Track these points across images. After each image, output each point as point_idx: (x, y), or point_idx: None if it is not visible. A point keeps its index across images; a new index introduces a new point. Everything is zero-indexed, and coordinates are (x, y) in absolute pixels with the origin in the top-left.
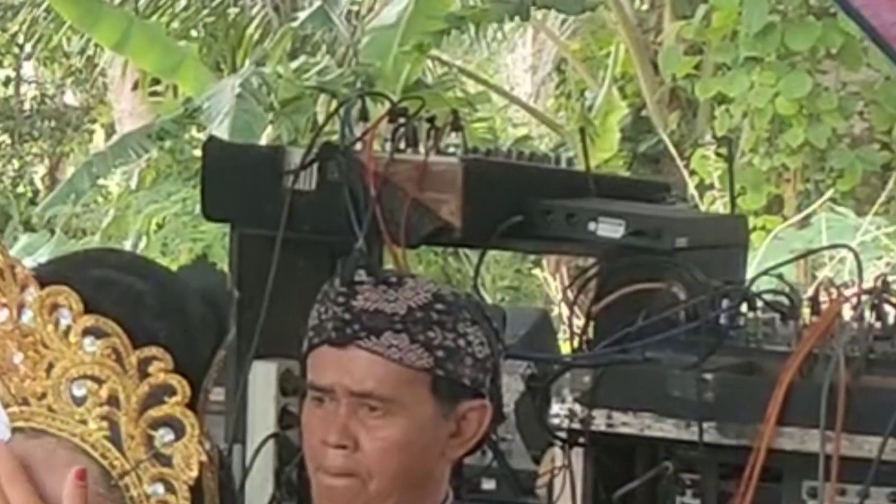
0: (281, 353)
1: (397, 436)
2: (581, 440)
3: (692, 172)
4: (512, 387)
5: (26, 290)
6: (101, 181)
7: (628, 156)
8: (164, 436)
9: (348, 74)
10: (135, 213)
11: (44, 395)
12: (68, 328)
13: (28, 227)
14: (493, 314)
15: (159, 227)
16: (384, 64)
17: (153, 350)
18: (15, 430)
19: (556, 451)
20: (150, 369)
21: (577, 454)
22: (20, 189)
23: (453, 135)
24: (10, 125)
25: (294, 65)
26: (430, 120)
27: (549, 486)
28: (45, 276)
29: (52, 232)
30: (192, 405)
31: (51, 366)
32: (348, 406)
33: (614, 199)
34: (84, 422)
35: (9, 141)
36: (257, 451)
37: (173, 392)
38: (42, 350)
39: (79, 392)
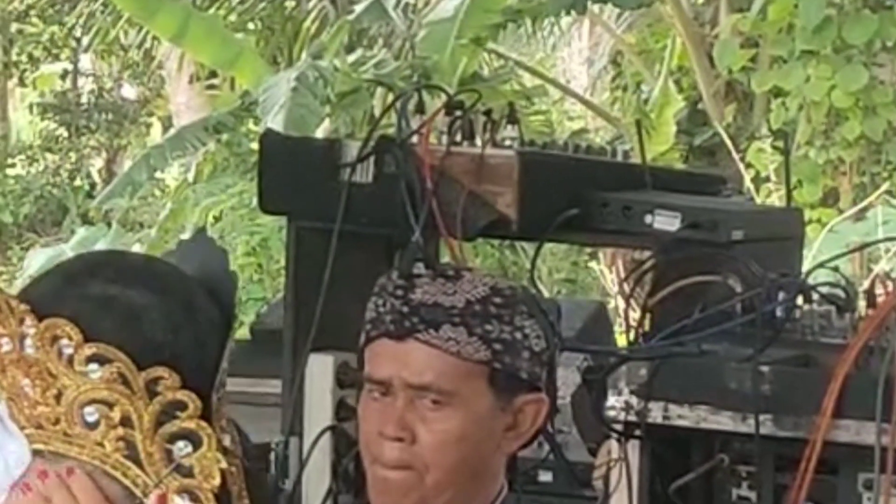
0: (338, 345)
1: (454, 428)
2: (637, 433)
3: (748, 165)
4: (568, 379)
5: (24, 323)
6: (158, 174)
7: (684, 149)
8: (182, 448)
9: (405, 67)
10: (192, 206)
11: (57, 421)
12: (71, 357)
13: (85, 220)
14: (548, 307)
15: (216, 220)
16: (441, 57)
17: (159, 370)
18: (35, 452)
19: (613, 444)
20: (159, 388)
21: (634, 447)
22: (77, 182)
23: (510, 128)
24: (68, 118)
25: (351, 58)
26: (487, 113)
27: (606, 478)
28: (43, 295)
29: (110, 225)
30: (206, 413)
31: (59, 393)
32: (406, 399)
33: (670, 191)
34: (101, 444)
35: (66, 134)
36: (314, 443)
37: (185, 407)
38: (48, 378)
39: (91, 417)
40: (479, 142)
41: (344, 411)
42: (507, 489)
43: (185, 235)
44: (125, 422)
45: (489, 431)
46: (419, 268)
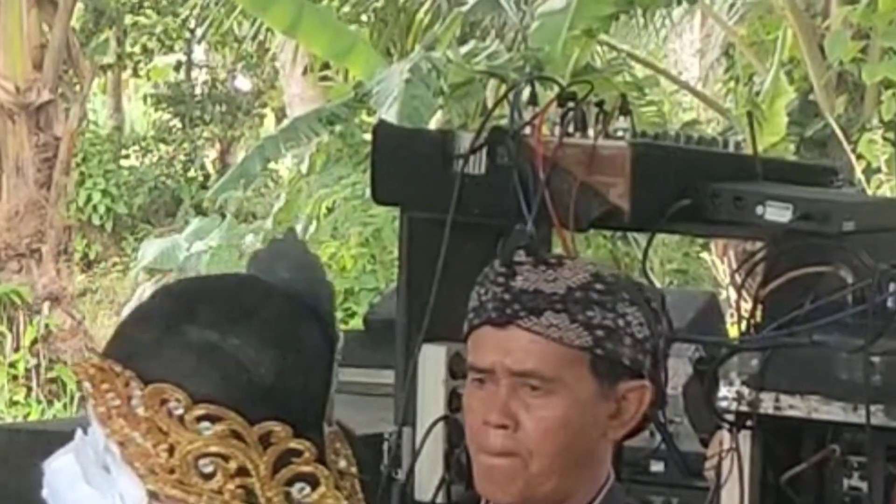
0: (450, 336)
1: (558, 415)
2: (748, 423)
3: (859, 156)
4: (680, 370)
5: (129, 385)
6: (271, 165)
7: (795, 140)
8: (301, 489)
9: (518, 59)
10: (305, 197)
11: (172, 471)
12: (182, 416)
13: (199, 210)
14: (653, 296)
15: (329, 210)
16: (553, 48)
17: (269, 426)
18: (151, 493)
19: (724, 434)
20: (272, 440)
21: (745, 437)
22: (191, 173)
23: (622, 119)
24: (182, 109)
25: (464, 49)
26: (599, 104)
27: (717, 468)
28: (144, 346)
29: (223, 216)
30: (318, 441)
31: (172, 447)
32: (509, 386)
33: (782, 182)
34: (220, 492)
35: (180, 125)
36: (427, 433)
37: (299, 454)
38: (160, 434)
39: (207, 469)
40: (591, 133)
41: (456, 401)
42: (613, 478)
43: (299, 226)
44: (242, 472)
45: (593, 418)
46: (521, 255)
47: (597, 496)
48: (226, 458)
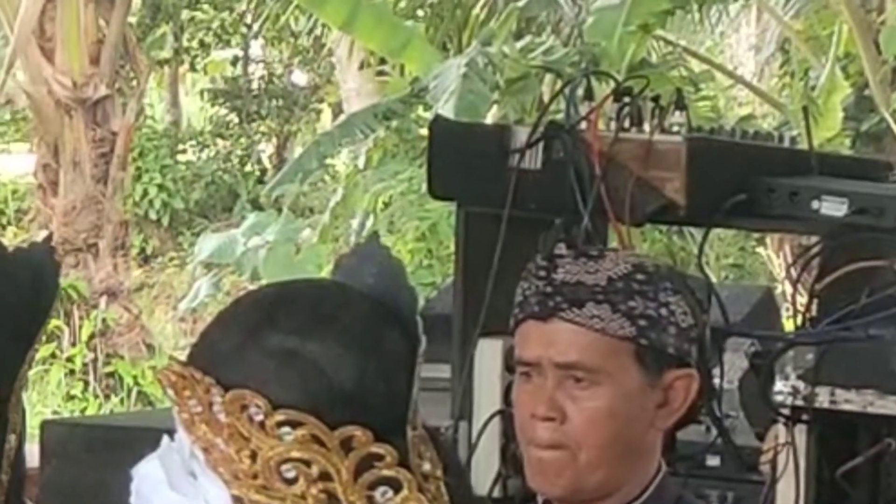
0: (506, 330)
1: (604, 406)
2: (804, 417)
3: None
4: (736, 364)
5: (210, 392)
6: (328, 160)
7: (851, 134)
8: (384, 493)
9: (573, 54)
10: (362, 192)
11: (255, 476)
12: (262, 422)
13: (256, 205)
14: (697, 285)
15: (386, 205)
16: (609, 44)
17: (350, 430)
18: (235, 498)
19: (780, 428)
20: (353, 444)
21: (801, 431)
22: (248, 168)
23: (677, 114)
24: (238, 104)
25: (520, 44)
26: (655, 99)
27: (773, 462)
28: (224, 353)
29: (280, 210)
30: (401, 445)
31: (254, 453)
32: (554, 378)
33: (837, 177)
34: (303, 497)
35: (236, 120)
36: (483, 427)
37: (381, 459)
38: (241, 440)
39: (289, 474)
40: (647, 128)
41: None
42: (665, 469)
43: (356, 221)
44: (324, 476)
45: (640, 408)
46: (562, 248)
47: (647, 487)
48: (308, 464)
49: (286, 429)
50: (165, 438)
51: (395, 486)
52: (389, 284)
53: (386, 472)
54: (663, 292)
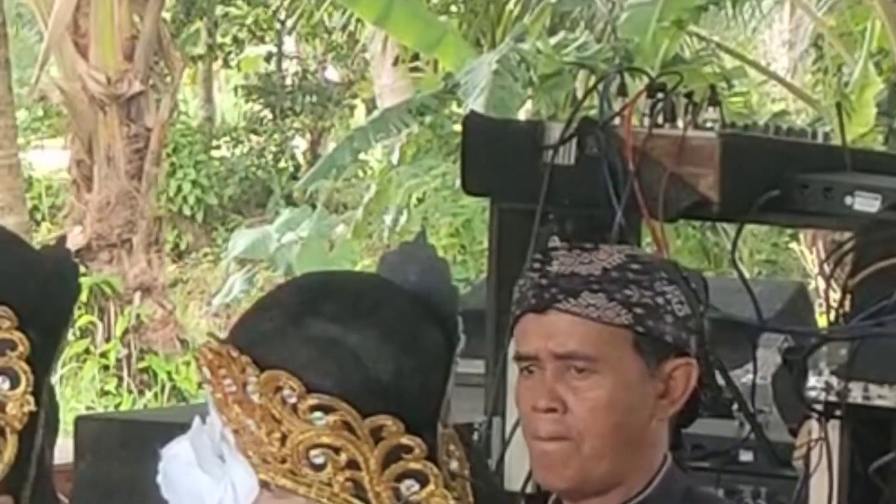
0: None
1: (604, 395)
2: (837, 413)
3: None
4: (769, 360)
5: (245, 371)
6: (361, 156)
7: (884, 130)
8: (410, 486)
9: (607, 50)
10: (395, 188)
11: (284, 461)
12: (295, 405)
13: (289, 201)
14: (692, 277)
15: (420, 201)
16: (642, 40)
17: (382, 419)
18: (262, 483)
19: (813, 424)
20: (383, 434)
21: (834, 427)
22: (282, 164)
23: (711, 110)
24: (272, 100)
25: (553, 40)
26: (688, 95)
27: (806, 458)
28: (265, 335)
29: (314, 206)
30: (431, 441)
31: (284, 436)
32: (554, 370)
33: (870, 173)
34: (329, 484)
35: (270, 116)
36: (517, 424)
37: (409, 451)
38: (273, 422)
39: (318, 460)
40: (680, 124)
41: None
42: (671, 461)
43: (389, 217)
44: (352, 464)
45: (641, 398)
46: (555, 242)
47: (653, 479)
48: (337, 450)
49: (318, 414)
50: (197, 420)
51: (422, 480)
52: (432, 282)
53: (413, 466)
54: (658, 282)
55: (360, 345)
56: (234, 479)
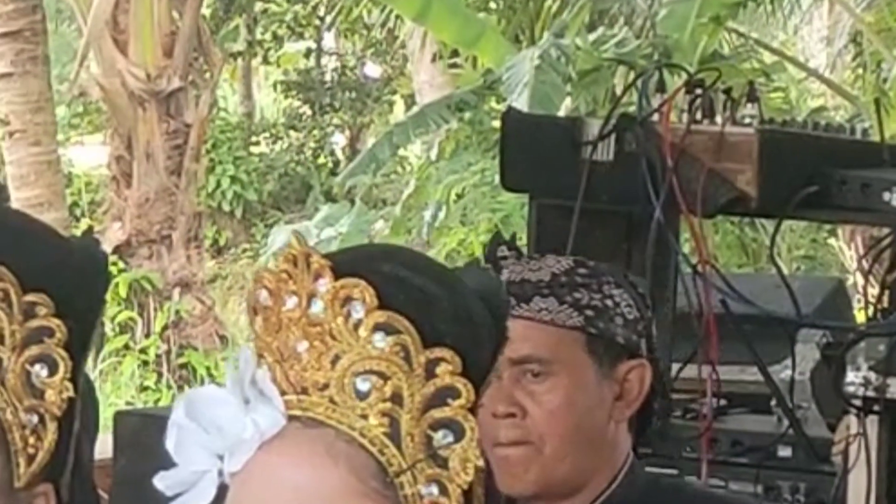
0: None
1: (560, 397)
2: (876, 408)
3: None
4: (808, 355)
5: (320, 279)
6: (401, 152)
7: None
8: (443, 438)
9: (646, 46)
10: (434, 184)
11: (326, 386)
12: (359, 322)
13: (329, 197)
14: (638, 282)
15: (459, 197)
16: (681, 36)
17: (443, 351)
18: (291, 417)
19: (852, 419)
20: (438, 370)
21: (872, 422)
22: (321, 160)
23: (749, 105)
24: (311, 96)
25: (592, 36)
26: (727, 91)
27: (845, 453)
28: (339, 263)
29: (353, 202)
30: (472, 409)
31: (336, 358)
32: (511, 377)
33: None
34: (365, 416)
35: (310, 112)
36: None
37: (457, 395)
38: (329, 341)
39: (363, 386)
40: (719, 120)
41: None
42: (633, 458)
43: (428, 212)
44: (395, 398)
45: (598, 399)
46: (504, 251)
47: (615, 478)
48: (385, 379)
49: (380, 334)
50: (230, 368)
51: (458, 433)
52: (488, 284)
53: (455, 414)
54: (606, 285)
55: (428, 289)
56: (260, 411)
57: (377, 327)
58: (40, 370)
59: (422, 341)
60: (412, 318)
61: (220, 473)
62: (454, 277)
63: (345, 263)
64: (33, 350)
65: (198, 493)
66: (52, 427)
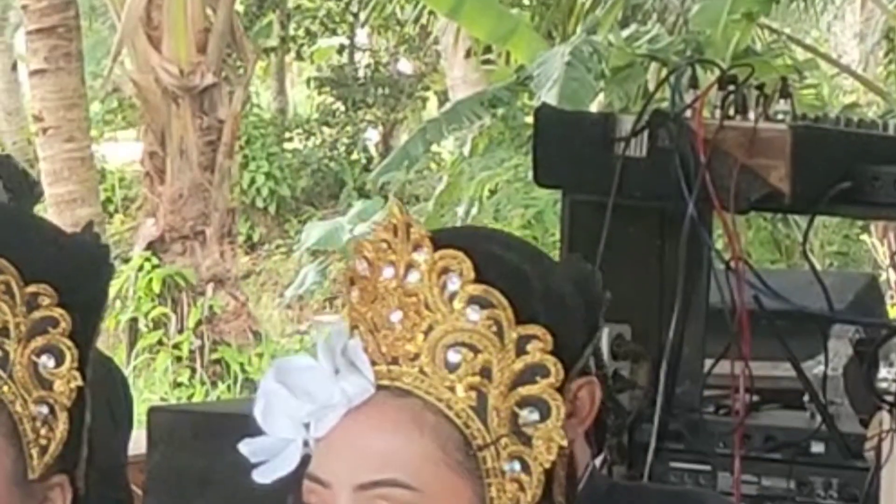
0: (612, 317)
1: None
2: None
3: None
4: (840, 351)
5: (419, 249)
6: (434, 148)
7: None
8: (529, 415)
9: (678, 42)
10: (468, 180)
11: (416, 357)
12: (454, 294)
13: (362, 193)
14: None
15: (492, 193)
16: (714, 32)
17: (535, 329)
18: (380, 387)
19: (884, 415)
20: (529, 347)
21: None
22: (354, 156)
23: (782, 102)
24: (345, 92)
25: (625, 33)
26: (760, 87)
27: (877, 449)
28: (436, 238)
29: (386, 198)
30: (559, 390)
31: (430, 328)
32: None
33: None
34: (452, 389)
35: (343, 108)
36: None
37: (546, 374)
38: (423, 312)
39: (454, 358)
40: (751, 116)
41: (619, 383)
42: (592, 465)
43: (461, 209)
44: (484, 372)
45: None
46: None
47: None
48: (476, 352)
49: (474, 307)
50: (321, 340)
51: (544, 411)
52: (584, 276)
53: (542, 392)
54: None
55: (524, 267)
56: (350, 379)
57: (472, 300)
58: (47, 361)
59: (515, 318)
60: (507, 293)
61: (306, 444)
62: (550, 261)
63: (443, 237)
64: (39, 341)
65: (282, 462)
66: (62, 417)
